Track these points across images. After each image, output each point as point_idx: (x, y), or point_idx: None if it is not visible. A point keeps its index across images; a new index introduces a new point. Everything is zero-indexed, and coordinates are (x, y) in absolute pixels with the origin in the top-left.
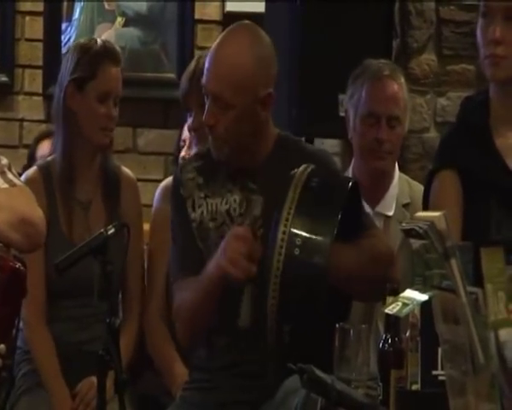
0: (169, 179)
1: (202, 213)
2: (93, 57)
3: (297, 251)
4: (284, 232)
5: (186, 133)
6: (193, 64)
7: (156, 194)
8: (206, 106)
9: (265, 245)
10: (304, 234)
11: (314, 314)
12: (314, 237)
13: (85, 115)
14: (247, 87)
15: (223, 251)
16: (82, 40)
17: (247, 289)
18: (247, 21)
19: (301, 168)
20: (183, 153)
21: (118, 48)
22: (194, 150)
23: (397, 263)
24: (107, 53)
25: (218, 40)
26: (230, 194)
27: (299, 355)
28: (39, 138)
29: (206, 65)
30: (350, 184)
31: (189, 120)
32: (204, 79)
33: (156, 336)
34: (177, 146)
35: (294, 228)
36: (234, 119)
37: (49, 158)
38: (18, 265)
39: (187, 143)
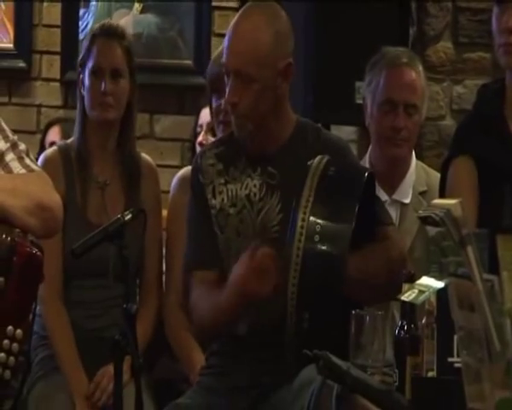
0: (186, 169)
1: (223, 200)
2: (90, 37)
3: (317, 238)
4: (304, 220)
5: (203, 119)
6: (221, 48)
7: (173, 183)
8: (228, 85)
9: (284, 231)
10: (323, 221)
11: (332, 301)
12: (333, 224)
13: (86, 93)
14: (267, 60)
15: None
16: None
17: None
18: None
19: (318, 158)
20: (200, 138)
21: (121, 26)
22: (219, 134)
23: (407, 265)
24: (102, 30)
25: (235, 18)
26: (250, 179)
27: (317, 342)
28: (49, 124)
29: (226, 43)
30: (366, 174)
31: (222, 102)
32: (224, 58)
33: (175, 323)
34: (193, 132)
35: (313, 215)
36: (256, 93)
37: (69, 140)
38: (35, 250)
39: (204, 128)
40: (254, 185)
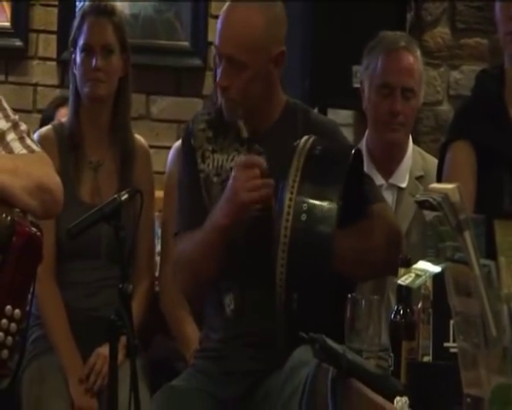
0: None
1: (208, 165)
2: (80, 15)
3: (304, 217)
4: (290, 199)
5: None
6: None
7: (170, 155)
8: (220, 68)
9: (270, 211)
10: (310, 200)
11: (322, 281)
12: (320, 202)
13: (77, 71)
14: (260, 46)
15: (231, 185)
16: None
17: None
18: None
19: (305, 138)
20: None
21: (111, 3)
22: None
23: (401, 239)
24: (92, 8)
25: (228, 2)
26: (237, 153)
27: (309, 324)
28: (58, 104)
29: (219, 27)
30: (353, 151)
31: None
32: (217, 42)
33: (170, 298)
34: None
35: (300, 195)
36: (248, 79)
37: (63, 119)
38: (34, 230)
39: None
40: None
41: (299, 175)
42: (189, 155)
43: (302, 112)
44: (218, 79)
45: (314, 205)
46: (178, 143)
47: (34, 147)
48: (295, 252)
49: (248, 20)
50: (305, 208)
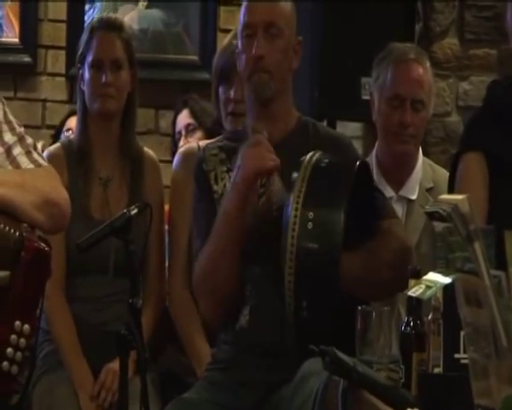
0: (188, 146)
1: (225, 185)
2: (89, 31)
3: (310, 225)
4: (296, 209)
5: (180, 125)
6: (231, 38)
7: (175, 160)
8: (257, 40)
9: (280, 223)
10: (316, 209)
11: (330, 288)
12: (326, 210)
13: (86, 87)
14: (291, 21)
15: (242, 162)
16: None
17: (275, 181)
18: None
19: (311, 152)
20: (181, 144)
21: (119, 18)
22: (227, 126)
23: (412, 257)
24: (100, 23)
25: None
26: None
27: (319, 332)
28: (70, 113)
29: (250, 4)
30: (358, 162)
31: (231, 93)
32: (251, 15)
33: (181, 311)
34: (173, 140)
35: (306, 204)
36: (282, 50)
37: (71, 136)
38: (42, 245)
39: (183, 133)
40: None
41: (305, 186)
42: (201, 180)
43: (313, 126)
44: (254, 50)
45: (320, 213)
46: (185, 147)
47: (41, 161)
48: (303, 260)
49: None
50: (311, 217)
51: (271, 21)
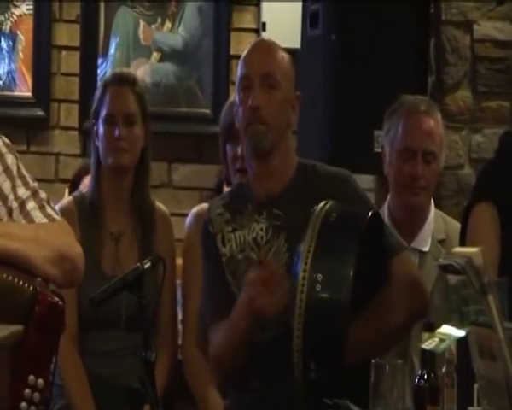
0: (201, 206)
1: (231, 247)
2: (102, 86)
3: (318, 287)
4: (305, 270)
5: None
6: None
7: (188, 220)
8: (253, 91)
9: (289, 277)
10: (324, 270)
11: (338, 350)
12: (335, 271)
13: (100, 142)
14: (289, 74)
15: (246, 292)
16: None
17: None
18: None
19: (321, 204)
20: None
21: (132, 73)
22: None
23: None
24: (113, 78)
25: (250, 46)
26: (257, 223)
27: (328, 390)
28: (86, 172)
29: (248, 55)
30: (369, 215)
31: (238, 150)
32: (248, 67)
33: (193, 367)
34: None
35: (314, 265)
36: (278, 102)
37: (84, 190)
38: (56, 299)
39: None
40: (261, 229)
41: (314, 245)
42: (208, 243)
43: (312, 167)
44: (250, 101)
45: (328, 275)
46: (197, 208)
47: (55, 215)
48: (311, 324)
49: (279, 51)
50: (319, 279)
51: (268, 72)
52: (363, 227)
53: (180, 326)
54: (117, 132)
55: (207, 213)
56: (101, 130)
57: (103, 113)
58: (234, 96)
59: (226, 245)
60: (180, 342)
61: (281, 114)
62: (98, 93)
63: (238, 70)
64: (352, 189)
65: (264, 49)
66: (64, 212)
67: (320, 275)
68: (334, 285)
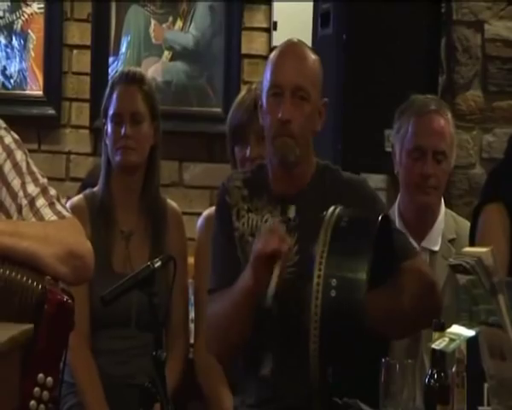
0: (212, 209)
1: (243, 224)
2: (110, 85)
3: (333, 293)
4: (319, 276)
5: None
6: (244, 95)
7: (199, 223)
8: (283, 103)
9: (298, 275)
10: (338, 274)
11: (355, 353)
12: (349, 276)
13: (108, 140)
14: (318, 83)
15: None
16: None
17: (275, 270)
18: None
19: (331, 209)
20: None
21: (140, 71)
22: None
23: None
24: (121, 76)
25: (280, 46)
26: (270, 215)
27: (344, 391)
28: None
29: (280, 60)
30: (380, 218)
31: (246, 152)
32: (280, 76)
33: (205, 367)
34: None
35: (328, 270)
36: (308, 115)
37: (95, 189)
38: (66, 298)
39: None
40: (274, 223)
41: (327, 250)
42: (223, 212)
43: (330, 171)
44: (281, 113)
45: (343, 280)
46: (208, 211)
47: (64, 213)
48: (327, 329)
49: (310, 57)
50: (334, 284)
51: (300, 85)
52: (374, 231)
53: (192, 325)
54: (123, 131)
55: (226, 181)
56: (109, 129)
57: (111, 112)
58: (260, 99)
59: (240, 221)
60: (192, 341)
61: (308, 126)
62: (107, 92)
63: (267, 72)
64: (369, 193)
65: (297, 56)
66: (75, 210)
67: (335, 280)
68: (350, 290)
